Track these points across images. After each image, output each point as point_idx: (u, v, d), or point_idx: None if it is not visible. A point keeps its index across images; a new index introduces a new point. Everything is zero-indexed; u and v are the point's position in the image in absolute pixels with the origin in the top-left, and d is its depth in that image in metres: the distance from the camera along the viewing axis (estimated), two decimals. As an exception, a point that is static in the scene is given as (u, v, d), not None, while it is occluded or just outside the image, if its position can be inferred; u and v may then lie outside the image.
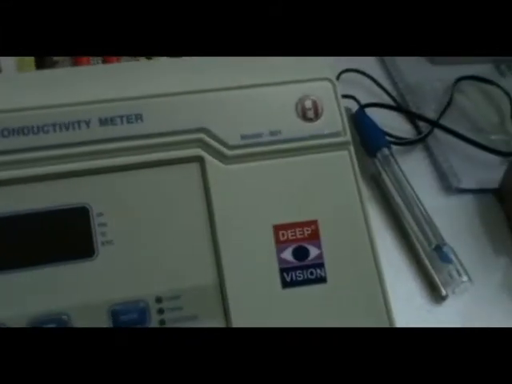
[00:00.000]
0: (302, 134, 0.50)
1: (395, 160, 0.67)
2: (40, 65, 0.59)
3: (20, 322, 0.44)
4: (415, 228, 0.64)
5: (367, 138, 0.70)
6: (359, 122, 0.71)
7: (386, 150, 0.68)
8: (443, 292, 0.59)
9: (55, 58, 0.60)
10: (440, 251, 0.61)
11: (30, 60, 0.60)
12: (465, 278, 0.59)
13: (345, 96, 0.70)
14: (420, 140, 0.72)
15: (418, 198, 0.65)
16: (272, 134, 0.49)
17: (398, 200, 0.66)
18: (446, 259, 0.60)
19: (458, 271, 0.59)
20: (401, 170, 0.67)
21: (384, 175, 0.67)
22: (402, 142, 0.72)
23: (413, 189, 0.65)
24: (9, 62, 0.65)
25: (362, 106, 0.72)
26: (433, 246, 0.62)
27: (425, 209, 0.64)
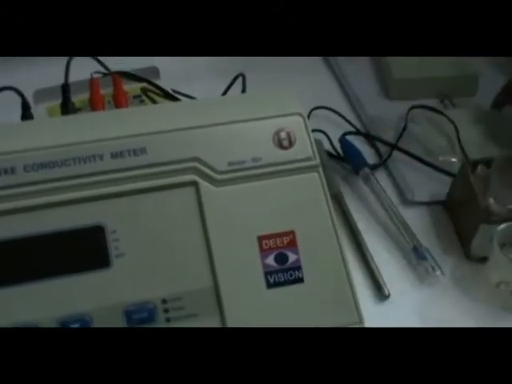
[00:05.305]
0: (279, 160, 0.49)
1: (374, 177, 0.67)
2: (65, 111, 0.59)
3: (50, 322, 0.44)
4: (395, 232, 0.63)
5: (351, 160, 0.70)
6: (345, 147, 0.71)
7: (366, 169, 0.68)
8: (386, 292, 0.59)
9: (77, 106, 0.60)
10: (417, 251, 0.61)
11: (57, 108, 0.60)
12: (438, 273, 0.59)
13: (314, 130, 0.70)
14: (384, 162, 0.72)
15: (396, 207, 0.64)
16: (254, 160, 0.49)
17: (356, 216, 0.65)
18: (422, 257, 0.60)
19: (432, 267, 0.59)
20: (379, 184, 0.66)
21: (344, 194, 0.67)
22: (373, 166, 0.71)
23: (391, 199, 0.65)
24: (40, 110, 0.65)
25: (344, 134, 0.72)
26: (411, 247, 0.61)
27: (402, 216, 0.64)
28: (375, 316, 0.49)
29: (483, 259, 0.60)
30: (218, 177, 0.48)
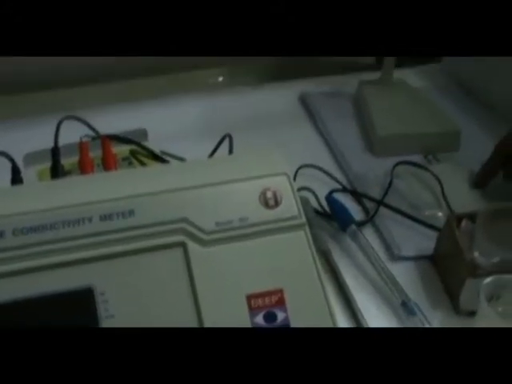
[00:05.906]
0: (266, 219, 0.50)
1: (362, 233, 0.68)
2: (55, 174, 0.60)
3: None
4: (384, 287, 0.63)
5: (339, 217, 0.70)
6: (332, 204, 0.72)
7: (353, 226, 0.68)
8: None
9: (67, 168, 0.61)
10: (406, 306, 0.60)
11: (47, 171, 0.61)
12: None
13: (301, 188, 0.71)
14: (370, 218, 0.72)
15: (384, 263, 0.65)
16: (241, 220, 0.49)
17: (344, 272, 0.65)
18: (411, 312, 0.60)
19: (421, 322, 0.59)
20: (367, 241, 0.67)
21: (332, 251, 0.67)
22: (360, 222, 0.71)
23: (378, 255, 0.65)
24: (30, 173, 0.65)
25: (331, 192, 0.73)
26: (400, 302, 0.61)
27: (390, 272, 0.64)
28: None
29: (472, 313, 0.60)
30: (206, 237, 0.48)
